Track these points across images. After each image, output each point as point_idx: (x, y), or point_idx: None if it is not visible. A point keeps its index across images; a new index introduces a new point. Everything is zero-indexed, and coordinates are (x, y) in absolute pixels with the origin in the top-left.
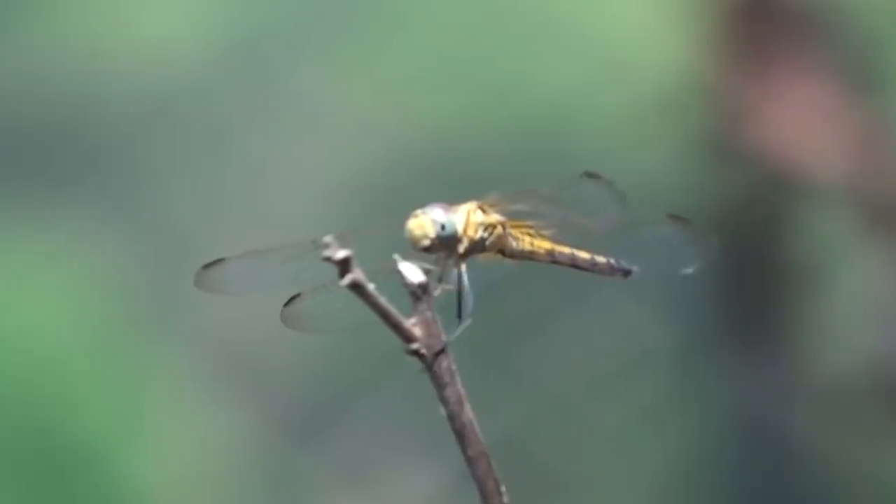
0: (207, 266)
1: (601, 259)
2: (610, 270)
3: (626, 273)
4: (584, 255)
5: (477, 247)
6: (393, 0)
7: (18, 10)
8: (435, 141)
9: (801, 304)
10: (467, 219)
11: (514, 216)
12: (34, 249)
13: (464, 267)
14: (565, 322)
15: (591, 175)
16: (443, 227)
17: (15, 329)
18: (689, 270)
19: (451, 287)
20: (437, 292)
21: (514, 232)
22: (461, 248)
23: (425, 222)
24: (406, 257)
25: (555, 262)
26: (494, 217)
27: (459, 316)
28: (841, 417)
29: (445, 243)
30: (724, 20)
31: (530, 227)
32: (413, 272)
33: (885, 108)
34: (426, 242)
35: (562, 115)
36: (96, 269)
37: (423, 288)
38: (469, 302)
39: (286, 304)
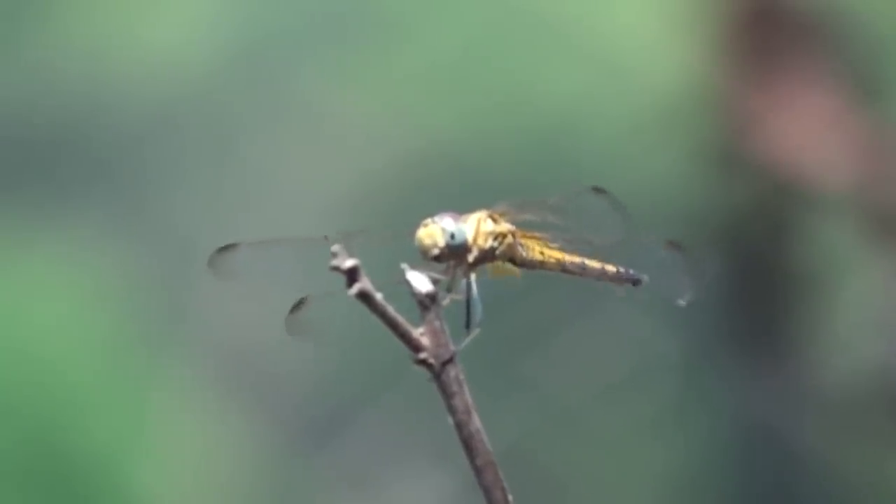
0: (221, 250)
1: (611, 268)
2: (620, 279)
3: (637, 282)
4: (594, 264)
5: (487, 256)
6: (400, 8)
7: (26, 16)
8: (441, 149)
9: (807, 313)
10: (477, 228)
11: (524, 225)
12: (40, 257)
13: (473, 276)
14: (572, 332)
15: (598, 190)
16: (452, 236)
17: (22, 336)
18: (683, 302)
19: (460, 296)
20: (445, 302)
21: (524, 241)
22: (470, 258)
23: (435, 231)
24: (414, 266)
25: (565, 271)
26: (505, 226)
27: (468, 325)
28: (847, 426)
29: (455, 252)
30: (730, 29)
31: (541, 236)
32: (421, 281)
33: (890, 116)
34: (436, 252)
35: (568, 123)
36: (103, 275)
37: (432, 297)
38: (478, 311)
39: (292, 311)
